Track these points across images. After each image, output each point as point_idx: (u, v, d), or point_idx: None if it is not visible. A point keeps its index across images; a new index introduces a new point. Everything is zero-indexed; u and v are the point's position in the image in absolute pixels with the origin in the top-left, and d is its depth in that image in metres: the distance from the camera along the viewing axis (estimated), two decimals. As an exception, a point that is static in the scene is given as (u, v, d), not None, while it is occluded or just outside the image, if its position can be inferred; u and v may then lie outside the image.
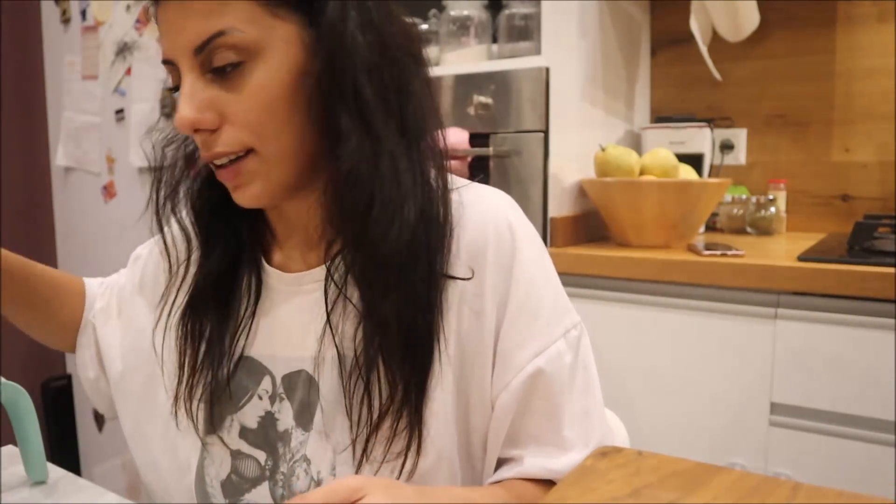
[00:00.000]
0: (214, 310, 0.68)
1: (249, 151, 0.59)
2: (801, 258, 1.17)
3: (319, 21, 0.58)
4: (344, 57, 0.57)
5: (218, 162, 0.60)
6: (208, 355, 0.68)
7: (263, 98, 0.57)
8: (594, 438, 0.64)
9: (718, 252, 1.24)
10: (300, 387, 0.65)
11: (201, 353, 0.68)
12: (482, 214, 0.64)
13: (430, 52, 1.69)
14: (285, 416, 0.66)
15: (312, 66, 0.58)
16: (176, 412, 0.70)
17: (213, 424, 0.68)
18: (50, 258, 2.38)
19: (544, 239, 1.40)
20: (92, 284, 0.83)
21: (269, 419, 0.66)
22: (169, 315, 0.71)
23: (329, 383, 0.64)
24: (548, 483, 0.62)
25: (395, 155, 0.59)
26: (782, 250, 1.34)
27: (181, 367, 0.69)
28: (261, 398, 0.67)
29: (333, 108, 0.58)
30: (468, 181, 0.68)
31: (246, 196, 0.61)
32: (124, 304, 0.79)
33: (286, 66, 0.58)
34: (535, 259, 0.65)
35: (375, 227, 0.58)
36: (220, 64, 0.56)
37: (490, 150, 1.42)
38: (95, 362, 0.80)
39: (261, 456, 0.67)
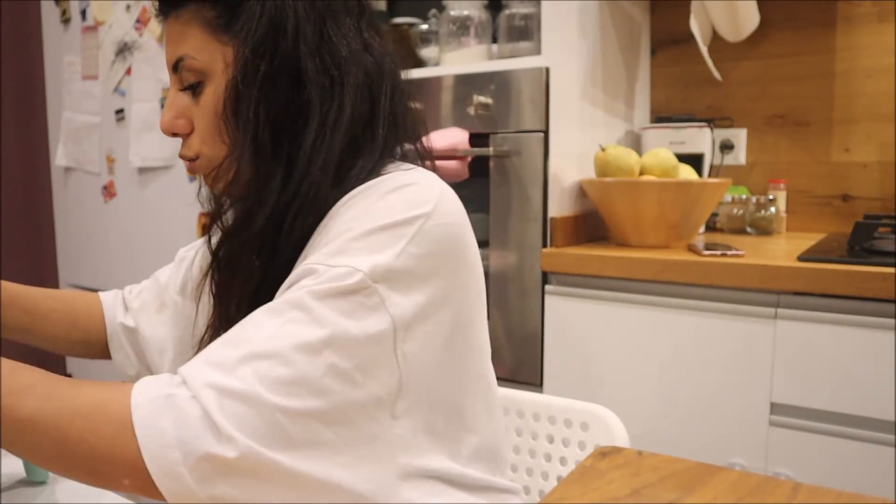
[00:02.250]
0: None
1: (197, 157, 0.68)
2: (801, 258, 1.17)
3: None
4: (244, 76, 0.63)
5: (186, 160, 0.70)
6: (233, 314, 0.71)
7: (211, 113, 0.65)
8: (190, 372, 0.52)
9: (718, 252, 1.24)
10: None
11: (232, 310, 0.69)
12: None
13: (430, 51, 1.69)
14: None
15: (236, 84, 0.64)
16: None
17: None
18: (50, 258, 2.38)
19: (544, 239, 1.40)
20: (107, 295, 0.89)
21: None
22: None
23: None
24: None
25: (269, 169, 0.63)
26: (782, 250, 1.34)
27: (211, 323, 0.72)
28: None
29: (247, 123, 0.63)
30: (412, 167, 0.67)
31: (213, 186, 0.69)
32: (167, 300, 0.84)
33: (225, 84, 0.64)
34: (369, 213, 0.59)
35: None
36: (187, 82, 0.66)
37: (490, 150, 1.42)
38: (133, 360, 0.85)
39: None
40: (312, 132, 0.63)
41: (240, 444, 0.48)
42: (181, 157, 0.69)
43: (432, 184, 0.62)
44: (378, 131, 0.66)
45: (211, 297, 0.72)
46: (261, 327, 0.53)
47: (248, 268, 0.65)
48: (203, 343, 0.72)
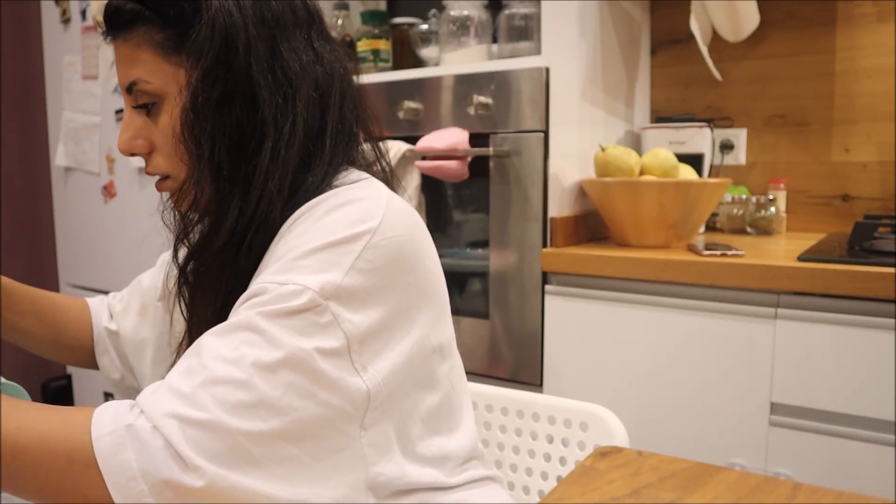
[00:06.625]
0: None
1: (168, 176, 0.69)
2: (801, 258, 1.17)
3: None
4: (198, 100, 0.63)
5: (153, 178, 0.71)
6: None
7: (169, 134, 0.65)
8: (149, 402, 0.52)
9: (718, 252, 1.24)
10: None
11: (202, 324, 0.70)
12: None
13: (430, 51, 1.69)
14: None
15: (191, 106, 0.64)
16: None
17: None
18: (50, 258, 2.38)
19: (544, 239, 1.40)
20: (94, 301, 0.89)
21: None
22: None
23: None
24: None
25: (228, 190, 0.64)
26: (782, 250, 1.34)
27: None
28: None
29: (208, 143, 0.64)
30: (361, 176, 0.67)
31: (177, 205, 0.71)
32: (149, 303, 0.85)
33: (181, 107, 0.64)
34: (315, 230, 0.59)
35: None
36: (141, 102, 0.66)
37: (490, 151, 1.42)
38: (118, 364, 0.86)
39: None
40: (268, 151, 0.63)
41: (206, 472, 0.48)
42: (149, 173, 0.70)
43: (379, 197, 0.62)
44: (327, 142, 0.66)
45: (182, 309, 0.73)
46: (216, 352, 0.53)
47: (212, 284, 0.65)
48: (182, 349, 0.72)
